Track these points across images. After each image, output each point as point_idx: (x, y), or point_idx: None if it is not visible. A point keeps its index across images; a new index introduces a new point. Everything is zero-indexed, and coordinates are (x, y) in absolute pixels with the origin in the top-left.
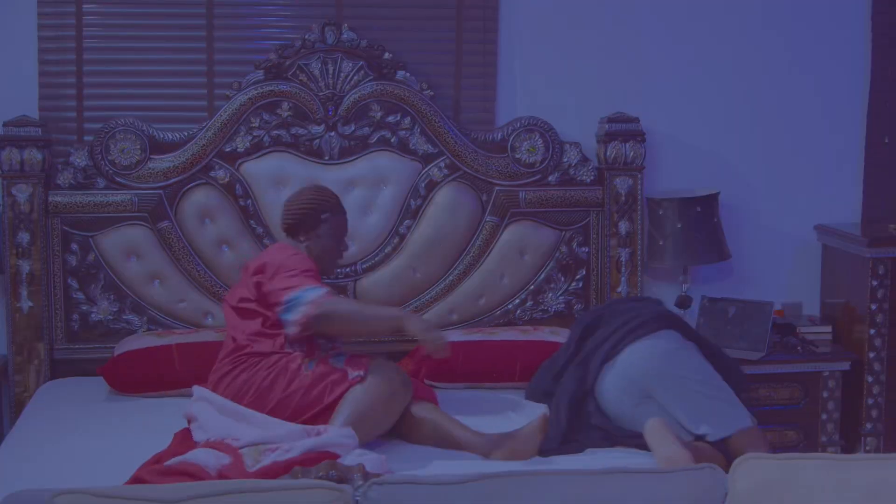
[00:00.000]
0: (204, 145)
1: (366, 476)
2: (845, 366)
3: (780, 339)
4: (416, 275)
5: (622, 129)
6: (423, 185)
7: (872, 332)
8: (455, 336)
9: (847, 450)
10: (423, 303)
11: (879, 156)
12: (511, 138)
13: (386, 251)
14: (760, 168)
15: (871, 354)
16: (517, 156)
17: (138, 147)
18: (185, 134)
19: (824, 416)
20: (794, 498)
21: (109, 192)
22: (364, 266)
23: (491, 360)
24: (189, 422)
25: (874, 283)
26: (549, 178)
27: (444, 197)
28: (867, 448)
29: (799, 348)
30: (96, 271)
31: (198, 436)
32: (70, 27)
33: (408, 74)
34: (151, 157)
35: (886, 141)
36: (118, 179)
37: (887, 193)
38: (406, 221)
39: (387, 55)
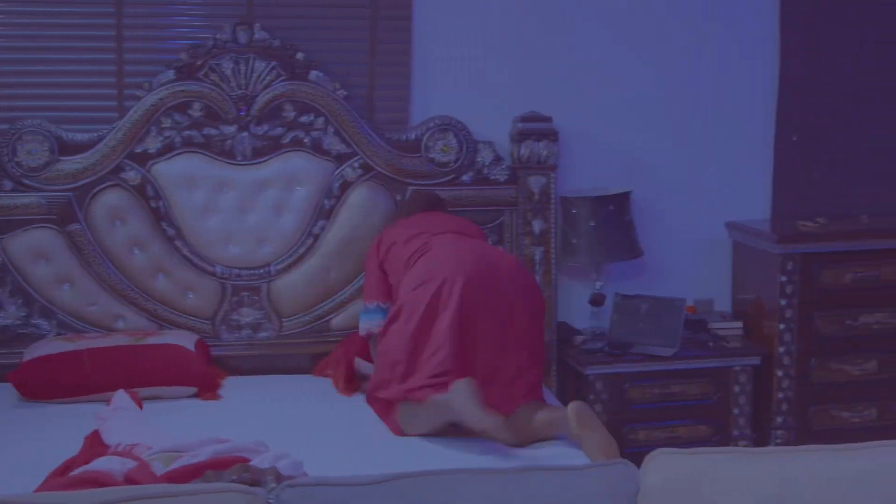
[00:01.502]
0: (114, 146)
1: (279, 479)
2: (756, 360)
3: (692, 335)
4: (331, 275)
5: (535, 128)
6: (336, 185)
7: (782, 326)
8: None
9: (758, 443)
10: (338, 303)
11: (788, 153)
12: (425, 138)
13: (300, 252)
14: (672, 166)
15: (781, 349)
16: (431, 155)
17: (46, 148)
18: (95, 135)
19: (736, 411)
20: (706, 491)
21: (17, 195)
22: (277, 267)
23: None
24: (99, 423)
25: (783, 278)
26: (463, 178)
27: (358, 197)
28: (778, 441)
29: (710, 344)
30: (3, 275)
31: (108, 438)
32: None
33: (321, 74)
34: (60, 158)
35: (795, 139)
36: (26, 181)
37: (796, 190)
38: (320, 222)
39: (300, 55)
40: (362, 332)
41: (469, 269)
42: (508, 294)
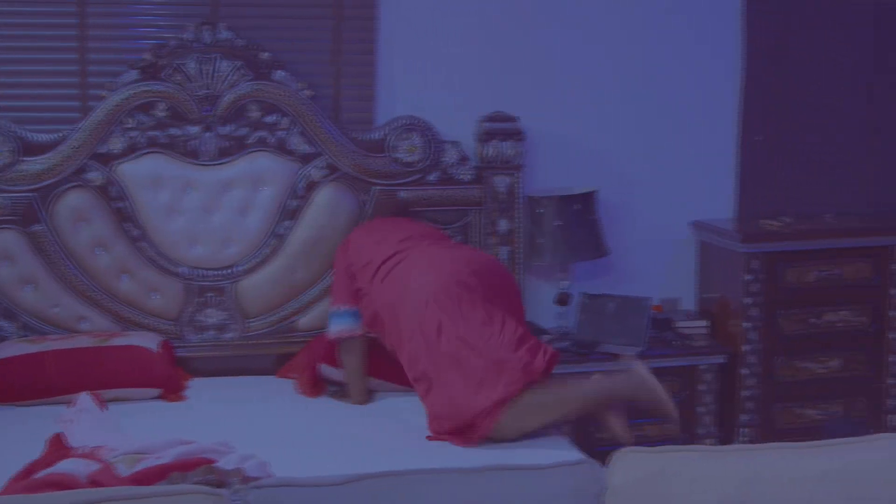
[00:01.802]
0: (77, 147)
1: (244, 480)
2: (721, 359)
3: (657, 334)
4: (297, 275)
5: (501, 127)
6: (302, 185)
7: (747, 325)
8: None
9: (723, 441)
10: (303, 303)
11: (753, 154)
12: (390, 138)
13: (265, 252)
14: (638, 166)
15: (747, 347)
16: (397, 155)
17: (8, 149)
18: (58, 135)
19: (701, 409)
20: (673, 490)
21: None
22: (243, 268)
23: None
24: (62, 425)
25: (748, 277)
26: (429, 178)
27: (323, 197)
28: (743, 439)
29: (676, 343)
30: None
31: (71, 440)
32: None
33: (286, 74)
34: (23, 158)
35: (760, 139)
36: None
37: (761, 190)
38: (285, 222)
39: (264, 55)
40: (332, 335)
41: (468, 261)
42: (498, 276)
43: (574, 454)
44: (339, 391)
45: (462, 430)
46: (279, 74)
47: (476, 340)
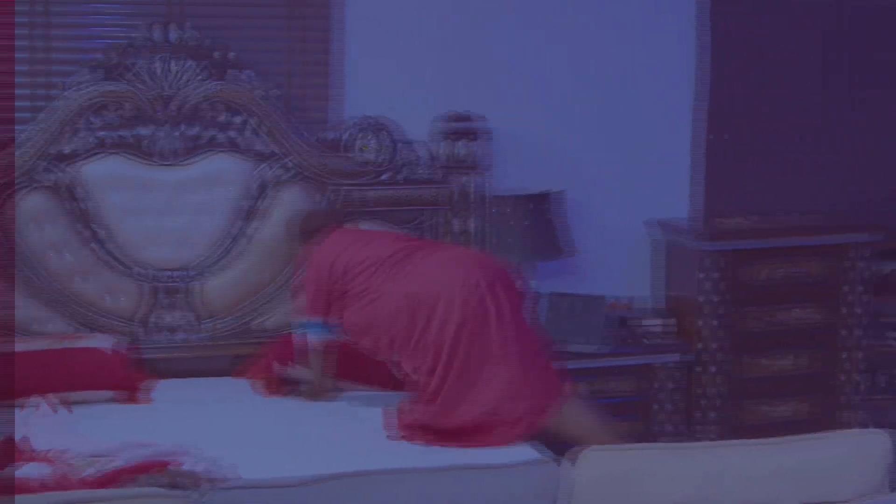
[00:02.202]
0: (31, 147)
1: (204, 482)
2: (684, 356)
3: (621, 333)
4: (256, 276)
5: (463, 127)
6: (261, 185)
7: (707, 323)
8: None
9: (683, 438)
10: (263, 304)
11: (720, 152)
12: (351, 137)
13: (224, 253)
14: (603, 166)
15: (712, 345)
16: (356, 155)
17: None
18: (10, 136)
19: (668, 407)
20: (637, 487)
21: None
22: (202, 268)
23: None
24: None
25: (713, 274)
26: (391, 177)
27: (283, 197)
28: (702, 436)
29: (636, 341)
30: None
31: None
32: None
33: (247, 74)
34: None
35: (727, 138)
36: None
37: (728, 189)
38: (244, 223)
39: (224, 54)
40: (312, 345)
41: (492, 260)
42: (509, 282)
43: (534, 453)
44: (303, 390)
45: (479, 429)
46: (238, 74)
47: (515, 341)
